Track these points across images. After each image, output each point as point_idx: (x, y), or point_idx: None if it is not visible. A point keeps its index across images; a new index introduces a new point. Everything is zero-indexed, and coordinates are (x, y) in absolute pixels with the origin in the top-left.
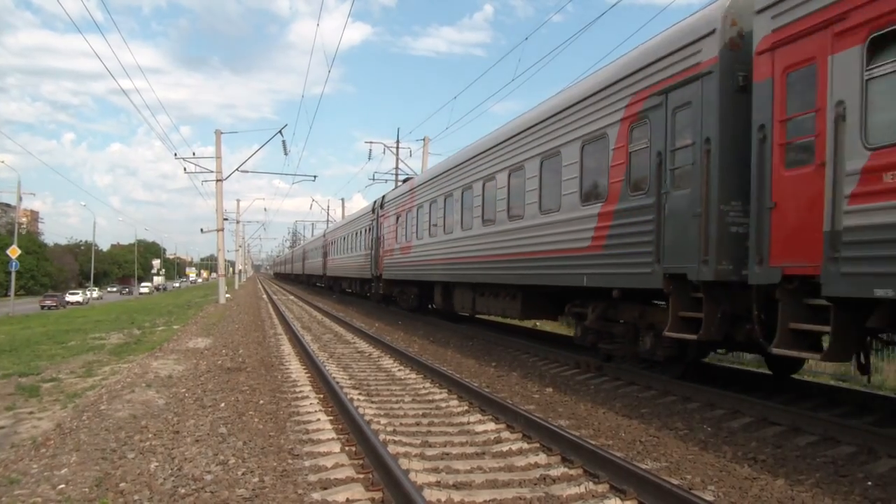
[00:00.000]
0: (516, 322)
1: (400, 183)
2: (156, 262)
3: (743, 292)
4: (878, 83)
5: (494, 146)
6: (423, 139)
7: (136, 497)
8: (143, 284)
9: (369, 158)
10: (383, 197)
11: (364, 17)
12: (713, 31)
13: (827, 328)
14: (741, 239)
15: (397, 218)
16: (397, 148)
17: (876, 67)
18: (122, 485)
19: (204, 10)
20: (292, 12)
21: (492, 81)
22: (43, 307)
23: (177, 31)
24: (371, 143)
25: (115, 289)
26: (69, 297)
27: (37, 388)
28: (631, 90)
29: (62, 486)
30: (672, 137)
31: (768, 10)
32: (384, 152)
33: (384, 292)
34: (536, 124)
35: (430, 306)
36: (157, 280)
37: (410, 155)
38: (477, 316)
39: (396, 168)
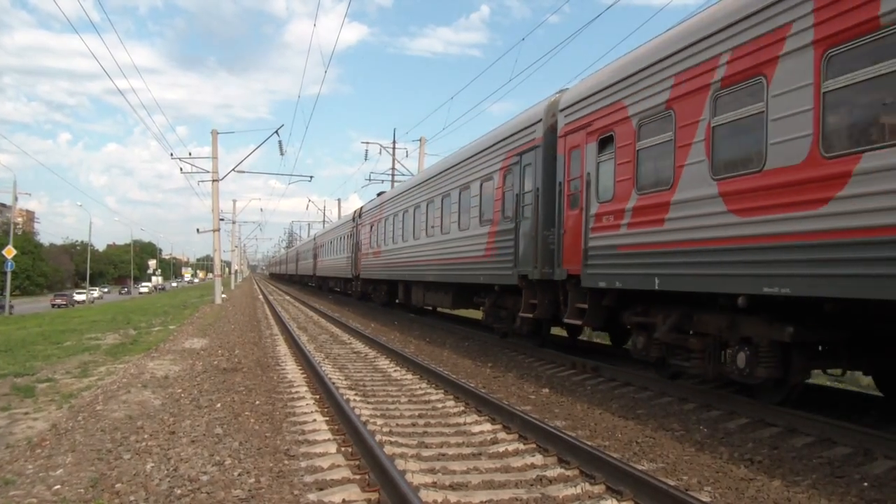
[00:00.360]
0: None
1: (398, 182)
2: (152, 263)
3: (554, 285)
4: (602, 165)
5: (435, 176)
6: (420, 139)
7: (132, 498)
8: (143, 284)
9: (366, 159)
10: (361, 208)
11: (360, 18)
12: (540, 120)
13: (586, 305)
14: (552, 252)
15: (371, 227)
16: (394, 148)
17: (602, 156)
18: (118, 485)
19: (200, 11)
20: (289, 12)
21: (489, 82)
22: (54, 305)
23: (173, 31)
24: (368, 143)
25: (106, 290)
26: (77, 297)
27: (32, 389)
28: (505, 149)
29: (58, 486)
30: (522, 184)
31: (564, 111)
32: (381, 152)
33: (361, 289)
34: (458, 163)
35: (395, 301)
36: (156, 280)
37: (407, 155)
38: (428, 307)
39: (393, 168)
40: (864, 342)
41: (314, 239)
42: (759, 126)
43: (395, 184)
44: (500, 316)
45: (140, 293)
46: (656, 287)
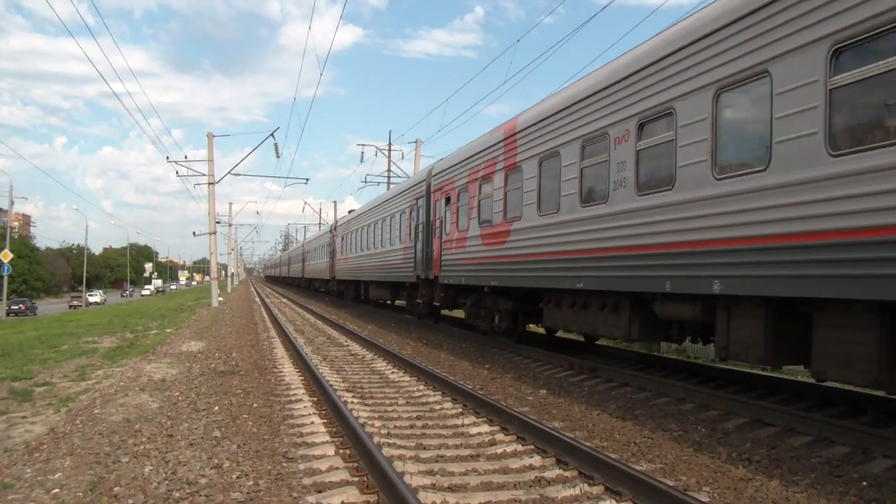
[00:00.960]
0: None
1: (394, 184)
2: (148, 266)
3: (431, 283)
4: (447, 215)
5: (376, 206)
6: (415, 141)
7: (130, 501)
8: (145, 287)
9: (361, 161)
10: (336, 221)
11: (355, 20)
12: (423, 180)
13: (443, 294)
14: (429, 261)
15: (342, 238)
16: (389, 150)
17: (446, 207)
18: (117, 489)
19: (194, 14)
20: (283, 15)
21: (484, 83)
22: (71, 307)
23: (167, 34)
24: (363, 145)
25: (95, 294)
26: (91, 299)
27: (30, 393)
28: (411, 195)
29: (56, 490)
30: (417, 219)
31: (433, 177)
32: (376, 154)
33: (336, 289)
34: (386, 201)
35: (361, 298)
36: (157, 283)
37: (402, 157)
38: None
39: (388, 170)
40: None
41: (303, 245)
42: (489, 202)
43: (389, 186)
44: (413, 302)
45: (142, 296)
46: (463, 283)
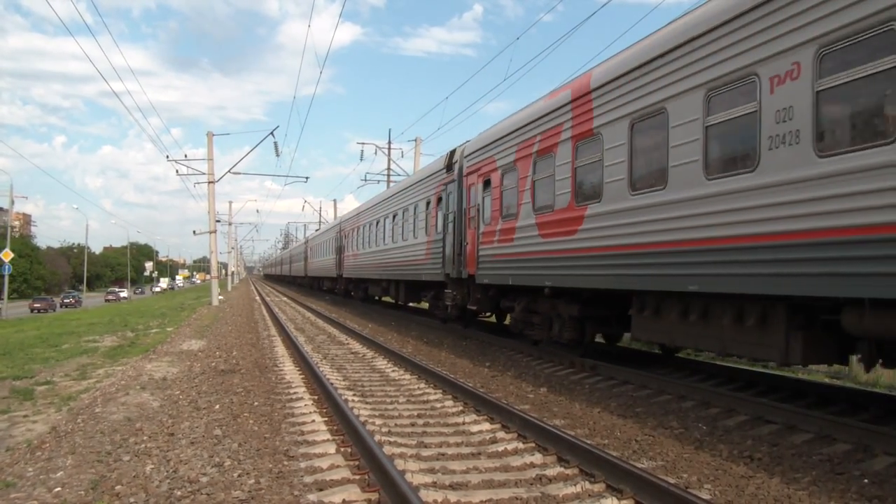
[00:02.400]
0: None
1: (393, 182)
2: (148, 265)
3: (463, 282)
4: (484, 201)
5: (382, 201)
6: (415, 140)
7: (132, 499)
8: (157, 284)
9: (361, 159)
10: (341, 220)
11: (353, 18)
12: (454, 161)
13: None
14: (461, 257)
15: (351, 232)
16: (389, 149)
17: (485, 192)
18: (118, 487)
19: (193, 12)
20: (281, 13)
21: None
22: (107, 300)
23: (166, 33)
24: (363, 143)
25: (123, 290)
26: (122, 294)
27: (31, 392)
28: (436, 180)
29: (58, 489)
30: (446, 208)
31: (465, 158)
32: (376, 153)
33: (344, 288)
34: (404, 189)
35: (376, 298)
36: (168, 281)
37: (402, 156)
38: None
39: (388, 169)
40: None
41: (306, 242)
42: (550, 182)
43: (389, 184)
44: (439, 304)
45: (154, 292)
46: (510, 283)
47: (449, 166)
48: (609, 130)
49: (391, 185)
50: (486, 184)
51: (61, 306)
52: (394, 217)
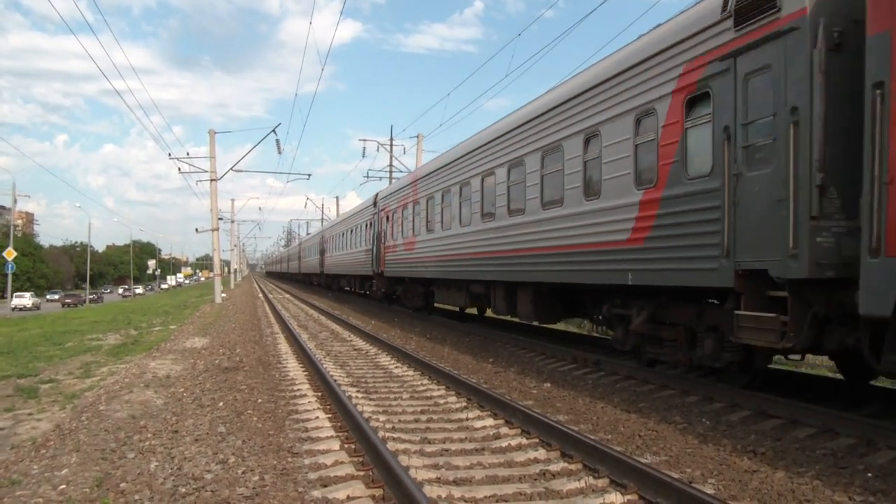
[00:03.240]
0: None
1: (395, 179)
2: (151, 263)
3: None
4: (386, 226)
5: (349, 216)
6: (417, 136)
7: (136, 497)
8: (165, 282)
9: (363, 156)
10: (323, 229)
11: (354, 14)
12: (374, 203)
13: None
14: (378, 261)
15: (402, 211)
16: (391, 145)
17: (387, 222)
18: (123, 485)
19: (194, 10)
20: (282, 11)
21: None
22: (124, 297)
23: (167, 31)
24: (365, 140)
25: (139, 287)
26: (138, 290)
27: (35, 390)
28: (369, 212)
29: (63, 486)
30: (374, 229)
31: (380, 200)
32: (378, 150)
33: (386, 290)
34: (350, 216)
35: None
36: (172, 279)
37: (405, 152)
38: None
39: (391, 165)
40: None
41: (321, 232)
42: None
43: (391, 181)
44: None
45: (162, 289)
46: (407, 275)
47: (375, 203)
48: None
49: (393, 181)
50: (387, 218)
51: (63, 306)
52: (352, 231)
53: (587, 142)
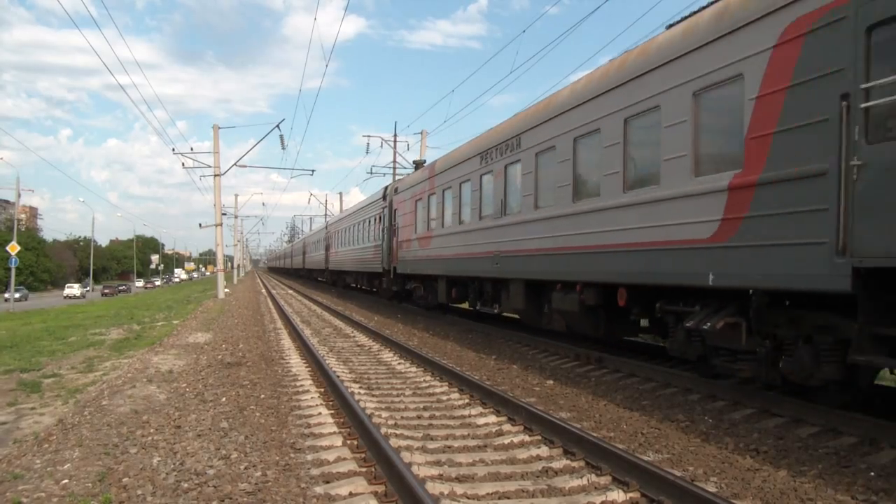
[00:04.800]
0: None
1: (398, 177)
2: (154, 258)
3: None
4: (397, 218)
5: (348, 216)
6: (421, 133)
7: (139, 492)
8: (176, 275)
9: (367, 152)
10: (328, 224)
11: (358, 10)
12: (384, 195)
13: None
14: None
15: (417, 203)
16: (395, 142)
17: (396, 217)
18: (125, 479)
19: (197, 5)
20: (286, 6)
21: (489, 74)
22: (146, 288)
23: (171, 26)
24: (369, 136)
25: (158, 279)
26: (157, 282)
27: (38, 384)
28: (377, 206)
29: (65, 481)
30: (384, 223)
31: (393, 194)
32: (382, 146)
33: (398, 288)
34: (355, 211)
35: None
36: (184, 273)
37: (408, 148)
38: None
39: (394, 162)
40: None
41: (326, 227)
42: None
43: (395, 177)
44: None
45: (174, 282)
46: (423, 272)
47: (384, 196)
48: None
49: (397, 177)
50: (400, 212)
51: (103, 295)
52: (359, 226)
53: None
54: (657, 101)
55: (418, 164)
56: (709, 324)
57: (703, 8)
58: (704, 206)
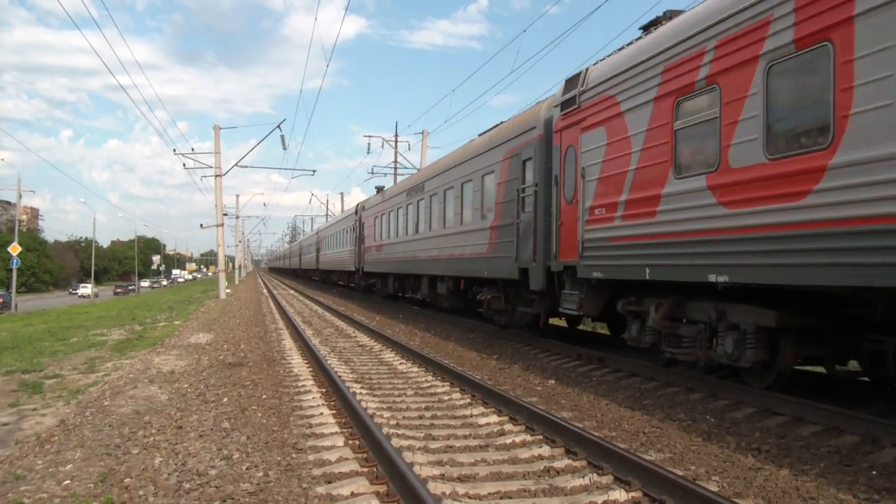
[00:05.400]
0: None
1: (401, 176)
2: (156, 258)
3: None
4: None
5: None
6: (422, 133)
7: (140, 492)
8: (182, 275)
9: (368, 152)
10: (364, 202)
11: (358, 10)
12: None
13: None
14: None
15: (374, 220)
16: (396, 142)
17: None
18: (127, 480)
19: (197, 5)
20: (286, 6)
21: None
22: (153, 287)
23: (171, 26)
24: (370, 136)
25: (164, 279)
26: (163, 282)
27: (40, 385)
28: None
29: (67, 481)
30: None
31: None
32: (382, 146)
33: (364, 283)
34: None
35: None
36: (190, 274)
37: (409, 148)
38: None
39: (395, 162)
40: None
41: (317, 233)
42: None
43: (396, 178)
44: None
45: (179, 282)
46: (377, 270)
47: (356, 212)
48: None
49: (398, 177)
50: (366, 224)
51: (115, 294)
52: (340, 233)
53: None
54: (470, 176)
55: (379, 189)
56: (485, 296)
57: (482, 133)
58: (483, 236)
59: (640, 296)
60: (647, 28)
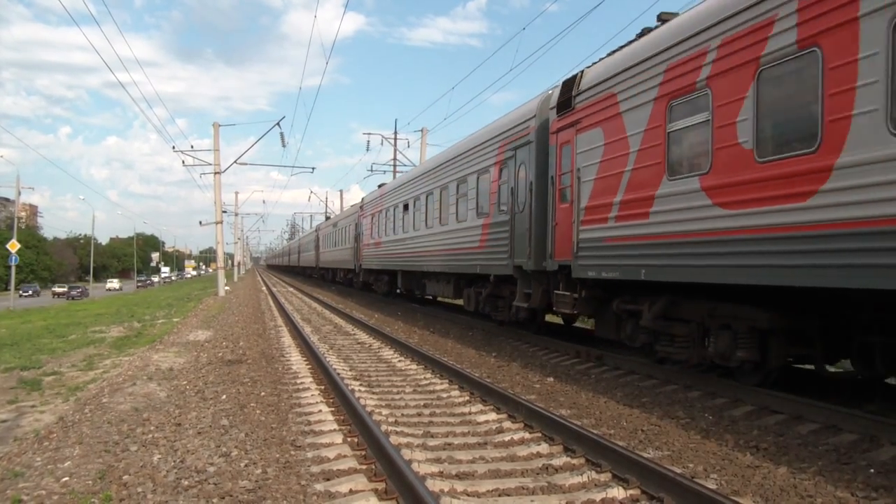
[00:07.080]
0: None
1: (400, 173)
2: (155, 255)
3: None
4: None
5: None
6: (422, 130)
7: (139, 489)
8: (186, 271)
9: (367, 150)
10: (318, 228)
11: (357, 7)
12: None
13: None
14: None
15: (372, 217)
16: (395, 139)
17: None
18: (126, 477)
19: (196, 2)
20: (285, 4)
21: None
22: (164, 282)
23: (170, 23)
24: (369, 134)
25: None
26: (172, 277)
27: (38, 382)
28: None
29: (66, 478)
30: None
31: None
32: (382, 143)
33: (363, 280)
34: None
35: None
36: (193, 271)
37: (409, 146)
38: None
39: (395, 159)
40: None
41: (316, 230)
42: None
43: (398, 174)
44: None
45: (185, 278)
46: (374, 267)
47: (362, 207)
48: None
49: (397, 175)
50: (365, 222)
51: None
52: (340, 231)
53: None
54: (466, 175)
55: (380, 186)
56: (483, 292)
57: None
58: (476, 232)
59: (635, 295)
60: (640, 35)
